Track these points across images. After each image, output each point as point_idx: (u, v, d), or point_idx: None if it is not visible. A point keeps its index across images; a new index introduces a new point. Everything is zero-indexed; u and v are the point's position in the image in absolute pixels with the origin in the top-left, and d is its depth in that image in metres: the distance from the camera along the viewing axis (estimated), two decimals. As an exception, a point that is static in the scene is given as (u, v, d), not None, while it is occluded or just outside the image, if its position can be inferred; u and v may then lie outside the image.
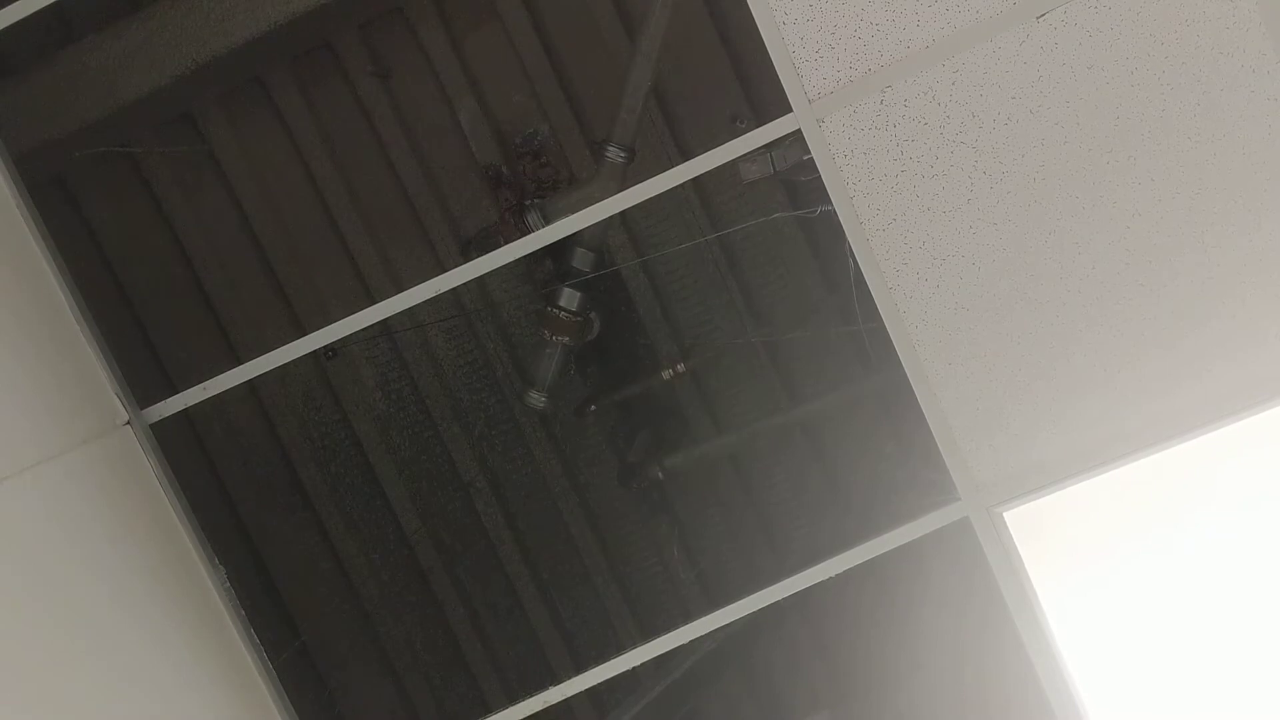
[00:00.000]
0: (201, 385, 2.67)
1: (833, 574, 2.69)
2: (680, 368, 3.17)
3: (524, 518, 3.34)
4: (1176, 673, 2.69)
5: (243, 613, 2.65)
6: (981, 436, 2.56)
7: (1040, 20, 2.40)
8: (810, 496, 3.20)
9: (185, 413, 2.71)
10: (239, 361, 2.71)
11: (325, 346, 2.81)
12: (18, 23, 2.56)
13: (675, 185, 2.59)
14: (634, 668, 2.79)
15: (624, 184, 2.73)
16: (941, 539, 2.66)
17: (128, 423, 2.57)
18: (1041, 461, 2.57)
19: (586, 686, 2.78)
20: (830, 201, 2.51)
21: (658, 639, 2.75)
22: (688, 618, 2.76)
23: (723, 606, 2.74)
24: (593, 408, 3.28)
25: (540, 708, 2.78)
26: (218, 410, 3.20)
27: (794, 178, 2.75)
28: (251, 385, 3.11)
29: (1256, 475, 2.58)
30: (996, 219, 2.47)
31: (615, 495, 3.35)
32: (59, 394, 2.40)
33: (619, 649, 2.79)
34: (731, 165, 2.68)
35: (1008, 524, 2.58)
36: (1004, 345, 2.52)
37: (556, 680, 2.79)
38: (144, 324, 3.18)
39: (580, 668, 2.80)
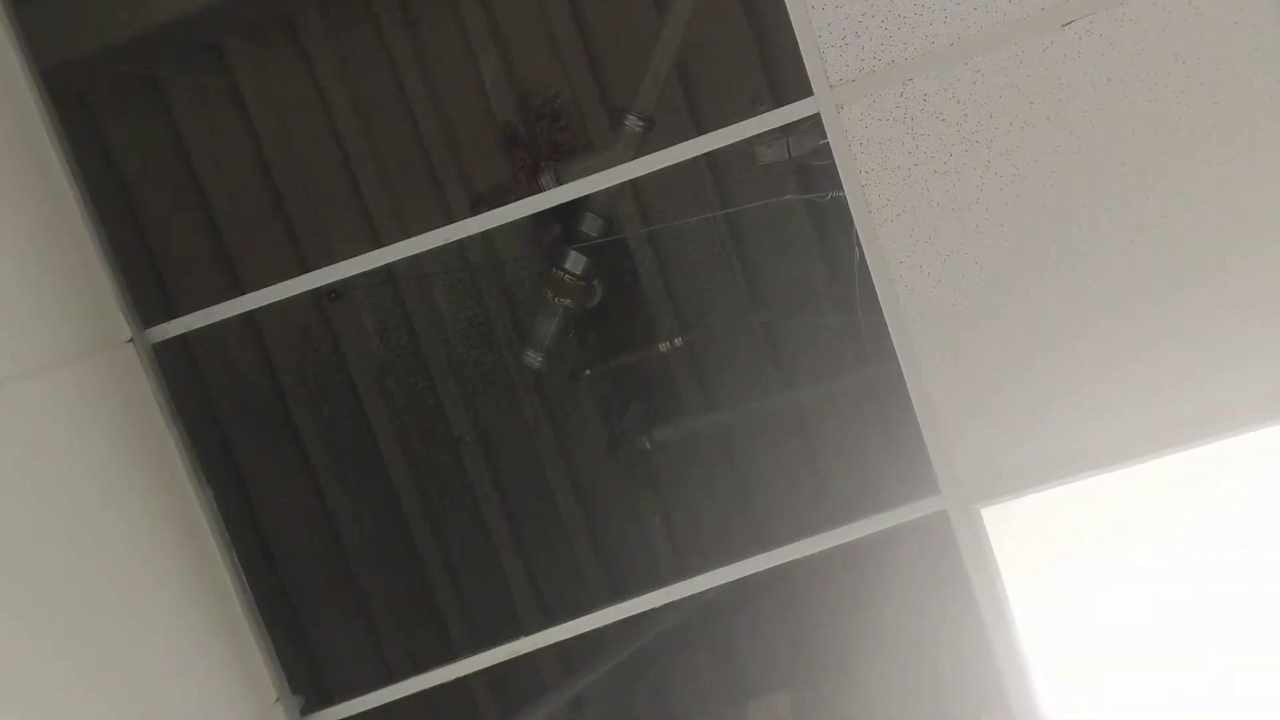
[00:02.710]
0: (205, 311, 2.71)
1: (808, 554, 2.74)
2: (678, 341, 3.20)
3: (510, 475, 3.38)
4: (1134, 678, 2.75)
5: (226, 534, 2.69)
6: (968, 433, 2.60)
7: (1065, 28, 2.43)
8: (795, 479, 3.24)
9: (185, 339, 2.75)
10: (242, 293, 2.75)
11: (328, 287, 2.85)
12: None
13: (690, 158, 2.62)
14: (603, 631, 2.84)
15: (640, 153, 2.75)
16: (919, 530, 2.71)
17: (130, 340, 2.60)
18: (1024, 462, 2.61)
19: (554, 640, 2.83)
20: (842, 188, 2.54)
21: (627, 601, 2.80)
22: (660, 584, 2.80)
23: (695, 576, 2.79)
24: (587, 373, 3.31)
25: (507, 658, 2.83)
26: (217, 340, 3.22)
27: (807, 163, 2.78)
28: (252, 320, 3.14)
29: (1233, 493, 2.63)
30: (1003, 221, 2.51)
31: (602, 461, 3.39)
32: (69, 306, 2.43)
33: (590, 608, 2.84)
34: (747, 145, 2.71)
35: (985, 521, 2.63)
36: (999, 345, 2.56)
37: (525, 633, 2.84)
38: (152, 247, 3.20)
39: (550, 623, 2.85)
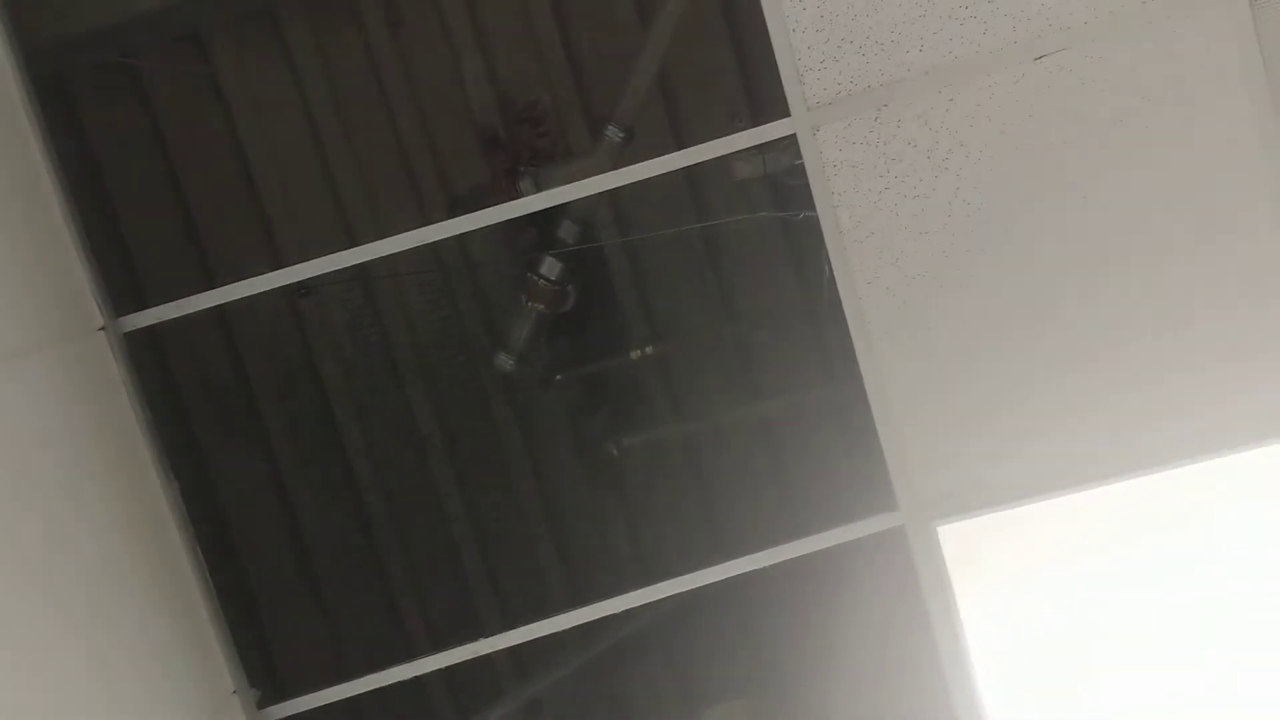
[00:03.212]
0: (178, 302, 2.71)
1: (767, 564, 2.78)
2: (649, 350, 3.24)
3: (476, 477, 3.39)
4: (1081, 699, 2.81)
5: (190, 528, 2.69)
6: (927, 451, 2.65)
7: (1037, 62, 2.50)
8: (756, 491, 3.28)
9: (154, 330, 2.75)
10: (213, 286, 2.75)
11: (299, 284, 2.85)
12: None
13: (668, 171, 2.66)
14: (560, 637, 2.87)
15: (619, 164, 2.78)
16: (876, 545, 2.76)
17: (103, 328, 2.60)
18: (982, 483, 2.67)
19: (512, 644, 2.85)
20: (814, 208, 2.59)
21: (587, 607, 2.83)
22: (620, 590, 2.83)
23: (654, 584, 2.82)
24: (558, 378, 3.34)
25: (465, 659, 2.85)
26: (186, 333, 3.21)
27: (782, 181, 2.83)
28: (223, 313, 3.13)
29: (1191, 521, 2.70)
30: (970, 246, 2.57)
31: (568, 467, 3.42)
32: (43, 292, 2.42)
33: (550, 613, 2.87)
34: (725, 161, 2.75)
35: (940, 539, 2.68)
36: (961, 368, 2.62)
37: (485, 634, 2.86)
38: (125, 237, 3.19)
39: (509, 625, 2.88)
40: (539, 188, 2.95)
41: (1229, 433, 2.61)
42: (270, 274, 2.76)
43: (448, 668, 2.87)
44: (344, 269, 2.80)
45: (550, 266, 3.10)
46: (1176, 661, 2.77)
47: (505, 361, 3.23)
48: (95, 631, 2.27)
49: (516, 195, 2.91)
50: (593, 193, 2.74)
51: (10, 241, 2.35)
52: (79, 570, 2.24)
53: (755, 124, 2.62)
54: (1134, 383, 2.60)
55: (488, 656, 2.90)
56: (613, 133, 2.91)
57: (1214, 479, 2.66)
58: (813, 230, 2.61)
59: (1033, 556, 2.75)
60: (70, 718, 2.11)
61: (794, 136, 2.57)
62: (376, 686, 2.86)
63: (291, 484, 3.33)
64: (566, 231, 3.08)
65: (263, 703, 2.80)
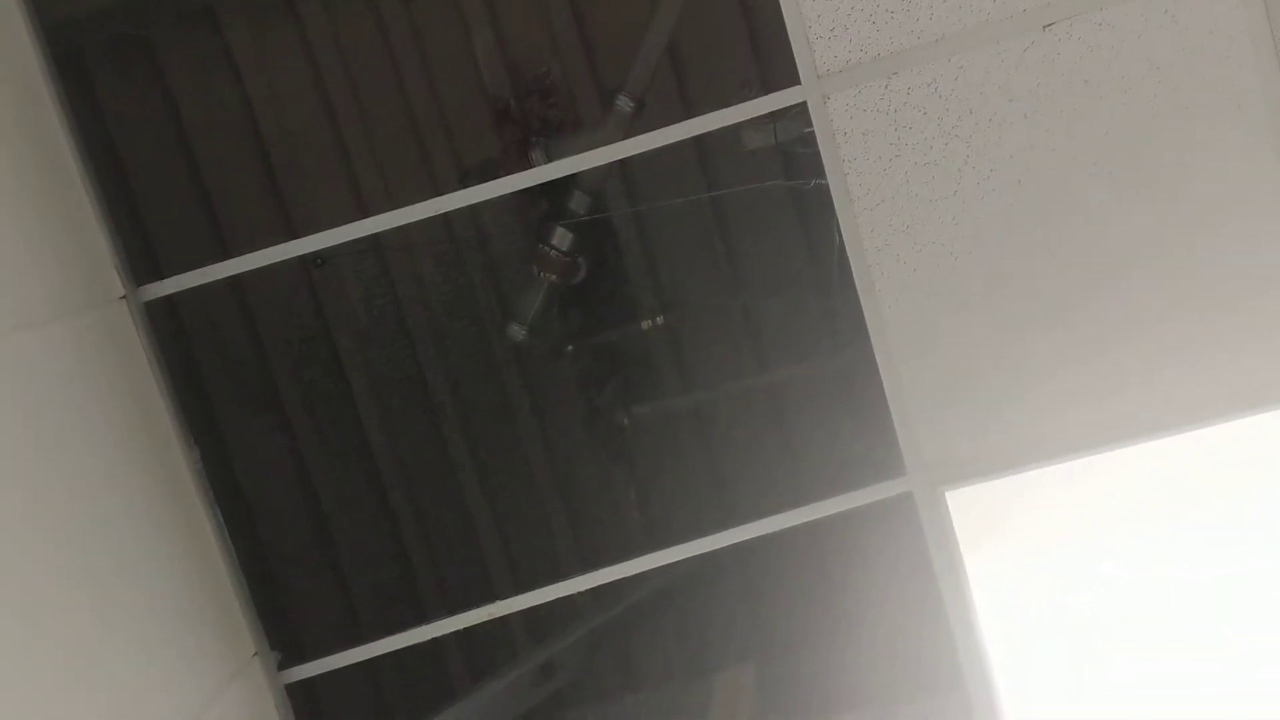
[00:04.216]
0: (197, 271, 2.75)
1: (775, 530, 2.82)
2: (659, 320, 3.27)
3: (488, 444, 3.43)
4: (1088, 667, 2.85)
5: (210, 494, 2.74)
6: (936, 417, 2.69)
7: (1046, 30, 2.51)
8: (765, 459, 3.31)
9: (173, 299, 2.79)
10: (228, 257, 2.79)
11: (314, 254, 2.89)
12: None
13: (679, 140, 2.69)
14: (573, 601, 2.92)
15: (629, 134, 2.80)
16: (884, 511, 2.79)
17: (123, 297, 2.64)
18: (991, 448, 2.70)
19: (525, 606, 2.90)
20: (824, 176, 2.61)
21: (598, 570, 2.88)
22: (631, 555, 2.88)
23: (664, 549, 2.87)
24: (569, 348, 3.37)
25: (480, 620, 2.90)
26: (204, 302, 3.25)
27: (792, 149, 2.85)
28: (239, 283, 3.17)
29: (1195, 486, 2.72)
30: (978, 214, 2.59)
31: (580, 435, 3.45)
32: (66, 261, 2.46)
33: (561, 576, 2.92)
34: (735, 130, 2.77)
35: (949, 503, 2.71)
36: (970, 333, 2.64)
37: (497, 598, 2.91)
38: (143, 208, 3.22)
39: (522, 589, 2.93)
40: (550, 158, 2.97)
41: (1248, 395, 2.63)
42: (286, 244, 2.79)
43: (462, 630, 2.93)
44: (358, 239, 2.83)
45: (561, 237, 3.12)
46: (1191, 633, 2.79)
47: (517, 332, 3.26)
48: (120, 595, 2.32)
49: (527, 166, 2.94)
50: (603, 163, 2.76)
51: (34, 212, 2.39)
52: (104, 534, 2.29)
53: (765, 93, 2.64)
54: (1147, 348, 2.62)
55: (502, 619, 2.95)
56: (623, 103, 2.92)
57: (1232, 446, 2.67)
58: (823, 198, 2.63)
59: (1043, 522, 2.78)
60: (95, 680, 2.17)
61: (804, 105, 2.59)
62: (393, 649, 2.91)
63: (308, 451, 3.37)
64: (577, 202, 3.11)
65: (283, 664, 2.86)
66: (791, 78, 2.58)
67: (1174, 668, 2.80)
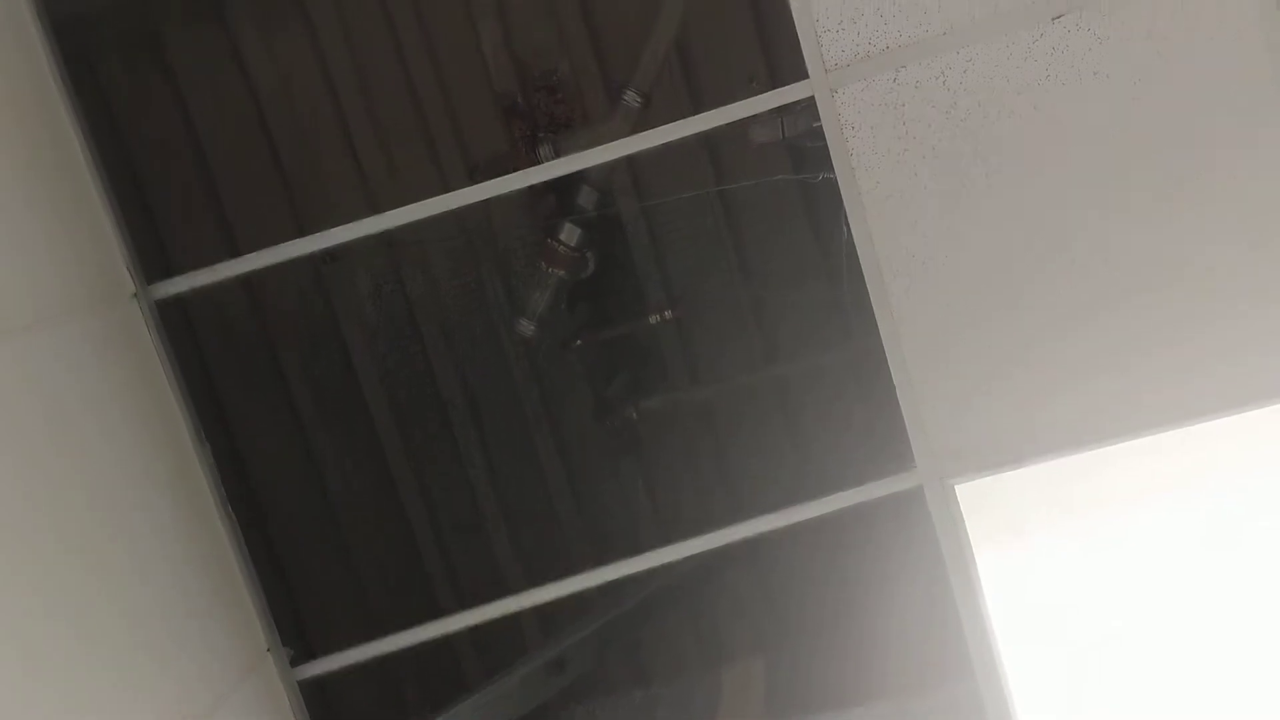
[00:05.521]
0: (207, 269, 2.76)
1: (783, 525, 2.83)
2: (668, 314, 3.27)
3: (498, 439, 3.44)
4: (1097, 657, 2.85)
5: (223, 490, 2.76)
6: (945, 411, 2.68)
7: (1055, 21, 2.50)
8: (775, 453, 3.32)
9: (184, 297, 2.80)
10: (238, 254, 2.80)
11: (324, 251, 2.90)
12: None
13: (686, 135, 2.69)
14: (585, 595, 2.93)
15: (637, 129, 2.81)
16: (893, 504, 2.79)
17: (135, 295, 2.65)
18: (1000, 440, 2.70)
19: (537, 602, 2.91)
20: (833, 170, 2.61)
21: (609, 565, 2.89)
22: (641, 550, 2.89)
23: (675, 543, 2.88)
24: (578, 343, 3.38)
25: (493, 616, 2.91)
26: (215, 299, 3.27)
27: (800, 143, 2.84)
28: (250, 281, 3.18)
29: (1205, 478, 2.71)
30: (988, 206, 2.59)
31: (588, 429, 3.46)
32: (78, 259, 2.48)
33: (573, 571, 2.93)
34: (743, 124, 2.77)
35: (958, 496, 2.71)
36: (979, 326, 2.64)
37: (510, 593, 2.92)
38: (154, 206, 3.24)
39: (533, 584, 2.94)
40: (558, 154, 2.97)
41: (1256, 388, 2.62)
42: (296, 241, 2.80)
43: (474, 626, 2.94)
44: (367, 236, 2.84)
45: (569, 232, 3.13)
46: (1201, 628, 2.79)
47: (526, 327, 3.27)
48: (133, 592, 2.33)
49: (536, 162, 2.94)
50: (611, 158, 2.76)
51: (47, 212, 2.40)
52: (117, 532, 2.30)
53: (773, 87, 2.63)
54: (1155, 339, 2.62)
55: (513, 615, 2.96)
56: (630, 98, 2.92)
57: (1241, 437, 2.67)
58: (831, 192, 2.63)
59: (1052, 515, 2.78)
60: (109, 677, 2.18)
61: (812, 99, 2.58)
62: (406, 645, 2.93)
63: (319, 447, 3.38)
64: (585, 198, 3.11)
65: (295, 661, 2.87)
66: (799, 72, 2.57)
67: (1182, 660, 2.80)
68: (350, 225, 2.79)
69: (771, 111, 2.68)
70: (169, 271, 2.78)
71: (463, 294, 3.41)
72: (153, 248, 3.12)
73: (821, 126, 2.59)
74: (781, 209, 3.17)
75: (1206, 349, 2.61)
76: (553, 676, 3.38)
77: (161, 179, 3.24)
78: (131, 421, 2.47)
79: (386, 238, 3.18)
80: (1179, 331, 2.61)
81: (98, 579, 2.21)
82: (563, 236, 3.13)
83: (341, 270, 3.40)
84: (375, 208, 3.05)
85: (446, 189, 2.84)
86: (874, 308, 2.65)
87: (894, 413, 2.72)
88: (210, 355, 3.29)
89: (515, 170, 2.80)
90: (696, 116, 2.67)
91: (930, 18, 2.51)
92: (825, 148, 2.60)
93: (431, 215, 2.81)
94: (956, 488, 2.71)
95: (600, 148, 2.75)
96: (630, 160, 3.00)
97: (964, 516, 2.73)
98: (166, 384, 2.67)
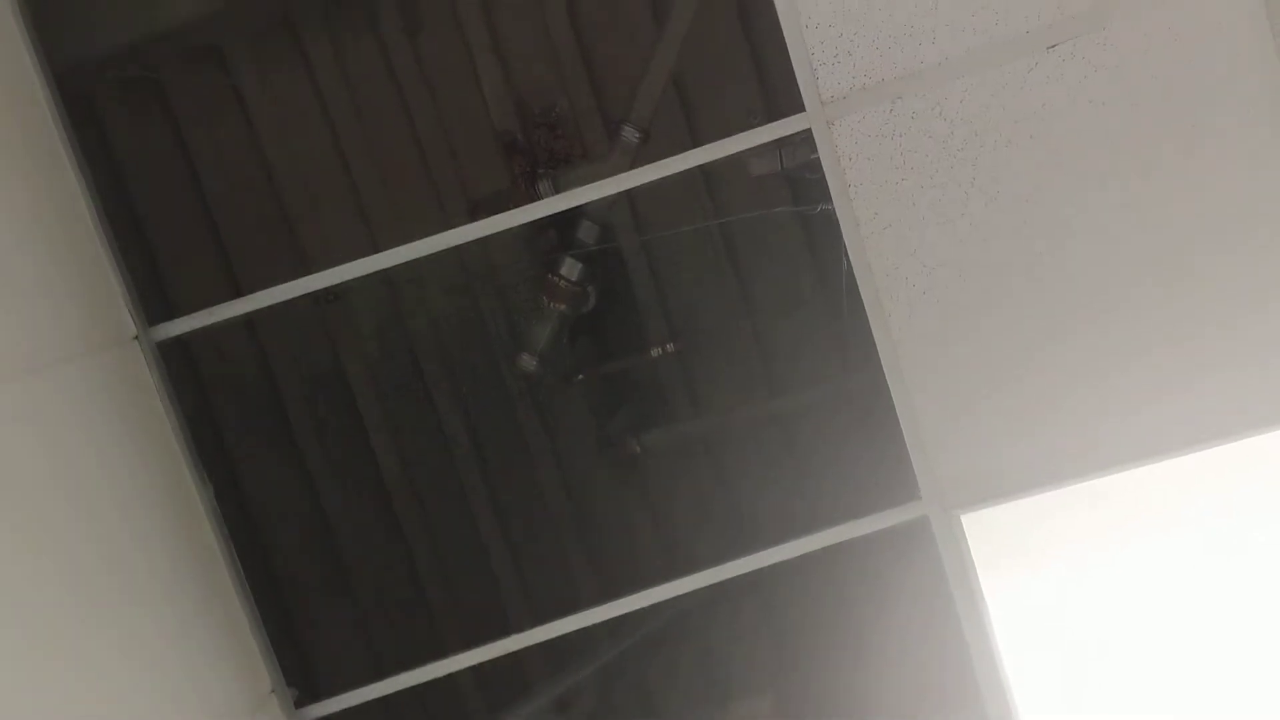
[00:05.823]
0: (208, 310, 2.76)
1: (791, 556, 2.81)
2: (669, 347, 3.27)
3: (501, 475, 3.43)
4: (1106, 685, 2.82)
5: (225, 530, 2.74)
6: (949, 440, 2.67)
7: (1050, 51, 2.52)
8: (780, 485, 3.31)
9: (185, 338, 2.81)
10: (240, 294, 2.80)
11: (326, 290, 2.91)
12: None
13: (685, 169, 2.70)
14: (590, 633, 2.91)
15: (636, 164, 2.82)
16: (900, 535, 2.78)
17: (136, 337, 2.65)
18: (1005, 470, 2.68)
19: (542, 639, 2.89)
20: (831, 201, 2.62)
21: (614, 601, 2.87)
22: (646, 585, 2.87)
23: (680, 578, 2.86)
24: (580, 377, 3.38)
25: (496, 655, 2.89)
26: (216, 340, 3.27)
27: (799, 175, 2.86)
28: (252, 320, 3.19)
29: (1210, 503, 2.70)
30: (986, 235, 2.59)
31: (591, 464, 3.45)
32: (79, 302, 2.49)
33: (577, 608, 2.90)
34: (741, 157, 2.79)
35: (964, 526, 2.70)
36: (982, 355, 2.63)
37: (514, 630, 2.90)
38: (155, 248, 3.25)
39: (537, 621, 2.91)
40: (558, 189, 2.99)
41: (1263, 413, 2.61)
42: (297, 280, 2.81)
43: (479, 665, 2.91)
44: (369, 274, 2.84)
45: (570, 267, 3.14)
46: (1207, 655, 2.77)
47: (528, 362, 3.27)
48: (137, 633, 2.32)
49: (536, 198, 2.95)
50: (611, 193, 2.77)
51: (48, 255, 2.41)
52: (119, 572, 2.29)
53: (770, 120, 2.65)
54: (1160, 367, 2.61)
55: (517, 653, 2.94)
56: (629, 133, 2.94)
57: (1244, 464, 2.66)
58: (830, 223, 2.64)
59: (1058, 544, 2.76)
60: (114, 717, 2.17)
61: (809, 131, 2.59)
62: (411, 685, 2.90)
63: (322, 486, 3.38)
64: (586, 232, 3.12)
65: (300, 701, 2.85)
66: (796, 104, 2.59)
67: (1185, 683, 2.78)
68: (351, 264, 2.79)
69: (769, 144, 2.69)
70: (170, 313, 2.79)
71: (465, 330, 3.42)
72: (154, 289, 3.13)
73: (819, 158, 2.60)
74: (781, 240, 3.17)
75: (1212, 378, 2.60)
76: (559, 713, 3.35)
77: (162, 220, 3.26)
78: (133, 463, 2.47)
79: (388, 276, 3.20)
80: (1183, 360, 2.61)
81: (98, 620, 2.19)
82: (564, 271, 3.14)
83: (343, 309, 3.40)
84: (376, 246, 3.06)
85: (447, 226, 2.84)
86: (875, 338, 2.65)
87: (898, 443, 2.71)
88: (212, 396, 3.29)
89: (516, 206, 2.80)
90: (695, 150, 2.68)
91: (925, 49, 2.53)
92: (823, 179, 2.60)
93: (433, 252, 2.82)
94: (962, 517, 2.70)
95: (600, 183, 2.77)
96: (630, 195, 3.01)
97: (970, 546, 2.72)
98: (168, 425, 2.67)
